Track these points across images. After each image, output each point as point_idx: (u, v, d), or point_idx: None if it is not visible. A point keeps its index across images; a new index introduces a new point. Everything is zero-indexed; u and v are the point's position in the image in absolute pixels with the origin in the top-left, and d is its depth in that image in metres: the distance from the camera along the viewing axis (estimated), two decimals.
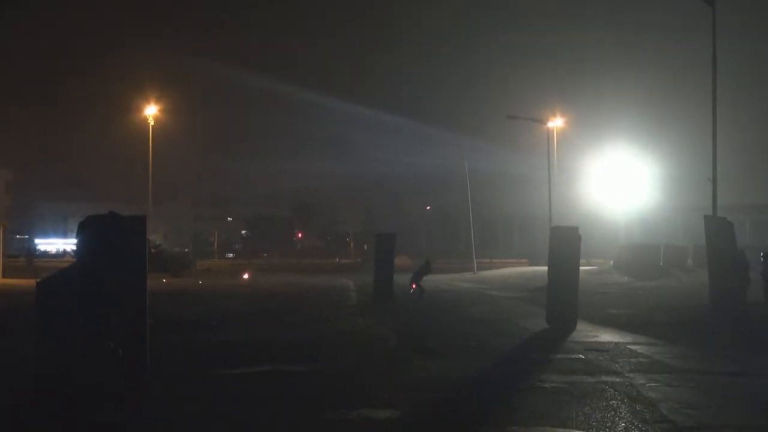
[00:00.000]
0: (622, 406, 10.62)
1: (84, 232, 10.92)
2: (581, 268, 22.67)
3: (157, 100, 55.35)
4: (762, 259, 24.39)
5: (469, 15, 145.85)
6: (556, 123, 53.27)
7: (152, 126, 54.76)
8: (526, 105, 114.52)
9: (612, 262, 54.33)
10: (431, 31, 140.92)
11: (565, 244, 20.79)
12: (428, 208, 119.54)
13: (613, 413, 10.16)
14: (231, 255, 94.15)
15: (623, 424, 9.59)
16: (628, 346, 16.72)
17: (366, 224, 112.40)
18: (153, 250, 42.84)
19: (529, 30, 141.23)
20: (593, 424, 9.62)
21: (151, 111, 54.80)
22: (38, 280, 11.04)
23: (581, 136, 77.62)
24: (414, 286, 30.25)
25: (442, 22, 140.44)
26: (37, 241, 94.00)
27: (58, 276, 11.01)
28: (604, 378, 12.73)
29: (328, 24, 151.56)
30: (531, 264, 64.66)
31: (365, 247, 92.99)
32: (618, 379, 12.63)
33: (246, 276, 48.54)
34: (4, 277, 44.13)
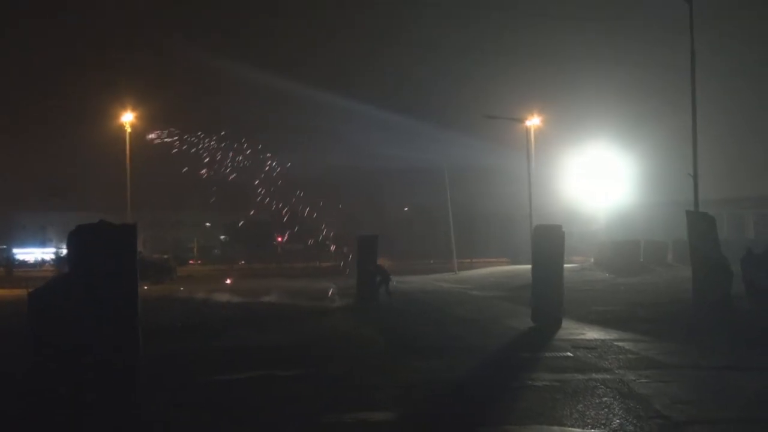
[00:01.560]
0: (615, 402, 10.72)
1: (75, 241, 10.91)
2: None
3: (134, 107, 54.92)
4: (746, 253, 24.51)
5: (455, 14, 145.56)
6: (534, 121, 53.38)
7: (129, 133, 54.37)
8: (509, 102, 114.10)
9: (593, 259, 54.56)
10: (414, 27, 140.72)
11: (549, 243, 20.89)
12: (405, 209, 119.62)
13: (607, 410, 10.25)
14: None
15: (618, 421, 9.68)
16: (615, 343, 16.83)
17: (346, 227, 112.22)
18: None
19: (512, 28, 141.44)
20: (588, 421, 9.70)
21: (127, 118, 54.39)
22: (30, 289, 11.03)
23: (562, 133, 77.72)
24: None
25: (427, 19, 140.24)
26: (15, 250, 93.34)
27: (50, 285, 11.02)
28: (594, 375, 12.82)
29: (310, 16, 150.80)
30: (511, 262, 64.83)
31: (345, 249, 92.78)
32: (608, 376, 12.73)
33: (229, 281, 48.41)
34: None
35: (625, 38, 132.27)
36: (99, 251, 10.83)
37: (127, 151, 54.23)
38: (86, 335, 10.76)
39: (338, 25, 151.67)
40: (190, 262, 79.97)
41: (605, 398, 10.99)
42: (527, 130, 52.77)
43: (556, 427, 9.44)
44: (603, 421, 9.66)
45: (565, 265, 22.74)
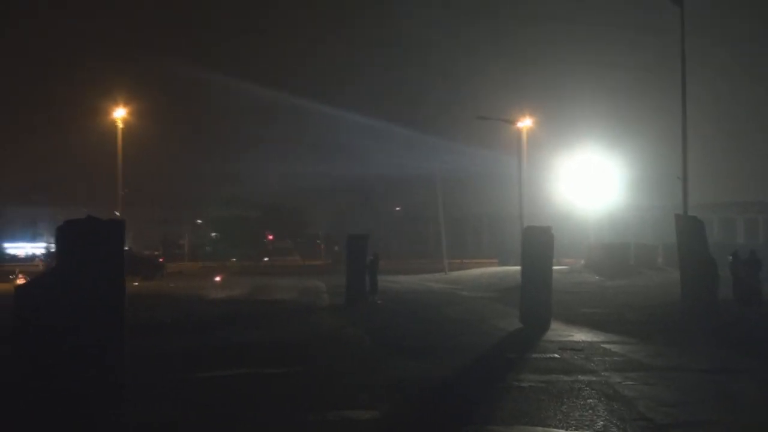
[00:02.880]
0: (600, 404, 10.74)
1: (62, 235, 10.89)
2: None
3: (126, 103, 54.68)
4: (731, 258, 24.61)
5: (441, 17, 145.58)
6: (526, 123, 53.36)
7: (121, 129, 54.18)
8: (501, 107, 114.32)
9: (583, 262, 54.57)
10: (402, 31, 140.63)
11: (539, 244, 20.92)
12: (397, 209, 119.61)
13: (591, 412, 10.26)
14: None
15: (602, 423, 9.70)
16: (602, 345, 16.87)
17: (336, 225, 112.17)
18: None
19: (503, 33, 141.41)
20: (572, 423, 9.71)
21: (119, 114, 54.13)
22: (17, 284, 11.02)
23: (553, 135, 77.98)
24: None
25: (414, 23, 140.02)
26: (5, 245, 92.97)
27: (37, 281, 11.00)
28: (580, 377, 12.84)
29: (292, 25, 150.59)
30: (501, 264, 64.75)
31: (336, 248, 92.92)
32: (594, 378, 12.75)
33: (218, 278, 48.38)
34: None
35: (615, 41, 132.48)
36: (86, 246, 10.81)
37: (119, 148, 54.11)
38: (72, 331, 10.73)
39: (327, 36, 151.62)
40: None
41: (590, 400, 11.00)
42: (519, 132, 52.86)
43: (540, 428, 9.46)
44: (587, 423, 9.68)
45: (555, 268, 22.84)
